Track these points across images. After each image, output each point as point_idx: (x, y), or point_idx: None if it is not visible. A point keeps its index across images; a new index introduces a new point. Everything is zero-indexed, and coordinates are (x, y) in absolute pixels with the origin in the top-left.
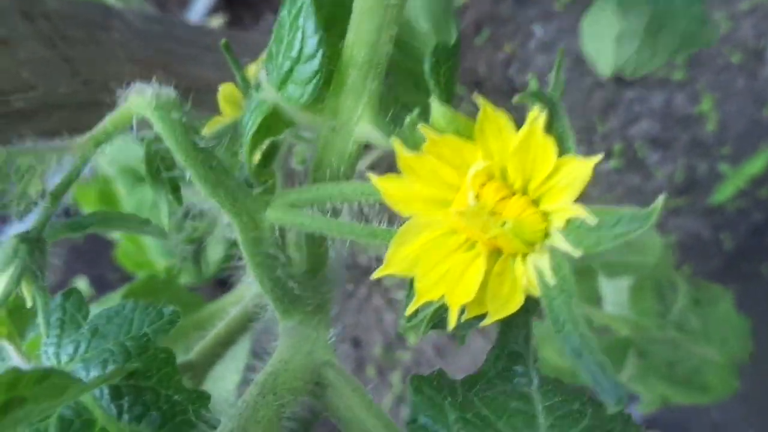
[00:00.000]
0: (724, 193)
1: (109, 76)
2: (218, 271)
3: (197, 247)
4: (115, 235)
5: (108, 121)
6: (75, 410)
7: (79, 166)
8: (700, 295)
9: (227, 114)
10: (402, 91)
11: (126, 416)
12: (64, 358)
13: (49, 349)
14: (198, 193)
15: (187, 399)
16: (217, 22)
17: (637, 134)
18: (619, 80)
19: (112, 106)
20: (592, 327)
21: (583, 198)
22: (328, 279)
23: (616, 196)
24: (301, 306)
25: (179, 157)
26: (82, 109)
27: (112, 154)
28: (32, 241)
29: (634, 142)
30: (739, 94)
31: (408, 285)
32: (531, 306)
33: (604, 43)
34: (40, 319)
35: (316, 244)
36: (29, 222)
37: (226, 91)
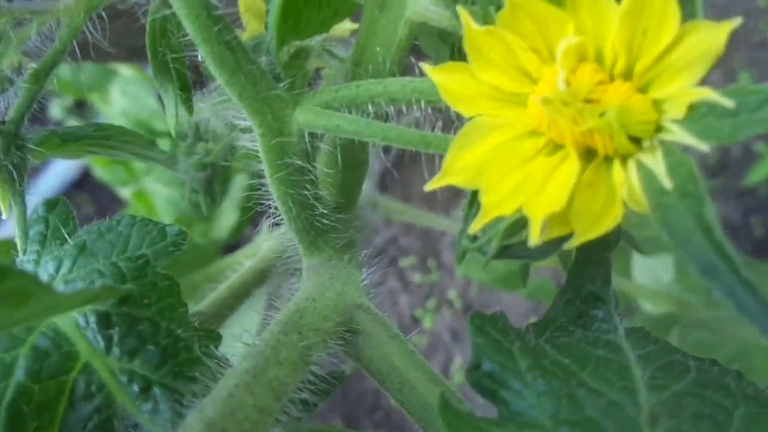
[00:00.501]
0: (758, 175)
1: None
2: (233, 232)
3: (210, 174)
4: (125, 193)
5: None
6: (53, 340)
7: (68, 38)
8: (747, 272)
9: (252, 28)
10: None
11: (116, 350)
12: (43, 278)
13: (25, 267)
14: (211, 106)
15: (193, 336)
16: None
17: None
18: None
19: None
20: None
21: None
22: (359, 215)
23: None
24: (329, 240)
25: (189, 26)
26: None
27: (123, 106)
28: (9, 135)
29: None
30: None
31: (469, 198)
32: (612, 239)
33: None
34: (16, 232)
35: (353, 156)
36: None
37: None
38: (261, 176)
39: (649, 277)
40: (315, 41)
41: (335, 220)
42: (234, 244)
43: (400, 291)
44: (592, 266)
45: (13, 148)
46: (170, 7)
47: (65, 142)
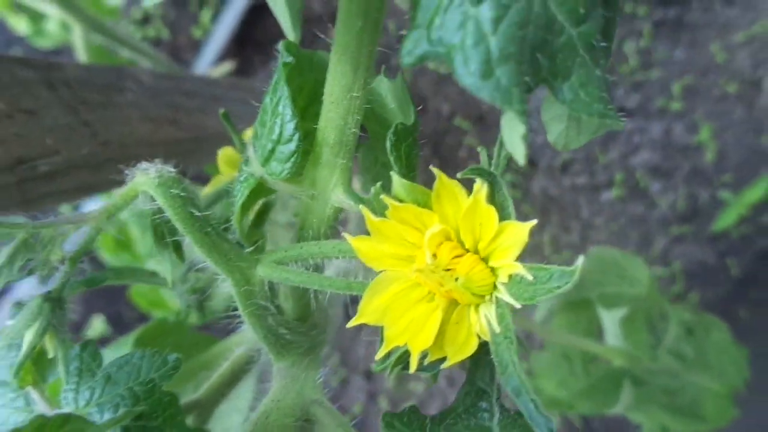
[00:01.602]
0: (726, 220)
1: (125, 136)
2: (221, 318)
3: (201, 295)
4: None
5: (118, 196)
6: None
7: (94, 236)
8: (694, 325)
9: (226, 173)
10: (381, 153)
11: None
12: (81, 403)
13: (68, 395)
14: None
15: None
16: (225, 68)
17: (638, 164)
18: (619, 111)
19: (129, 161)
20: (589, 358)
21: (586, 227)
22: (316, 324)
23: (620, 225)
24: (293, 349)
25: (179, 225)
26: (99, 168)
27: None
28: (54, 300)
29: (636, 172)
30: (736, 124)
31: (381, 332)
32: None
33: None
34: (60, 369)
35: (301, 295)
36: (50, 283)
37: (225, 154)
38: None
39: (613, 330)
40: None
41: (296, 334)
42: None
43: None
44: (480, 368)
45: (57, 309)
46: (164, 213)
47: (89, 286)
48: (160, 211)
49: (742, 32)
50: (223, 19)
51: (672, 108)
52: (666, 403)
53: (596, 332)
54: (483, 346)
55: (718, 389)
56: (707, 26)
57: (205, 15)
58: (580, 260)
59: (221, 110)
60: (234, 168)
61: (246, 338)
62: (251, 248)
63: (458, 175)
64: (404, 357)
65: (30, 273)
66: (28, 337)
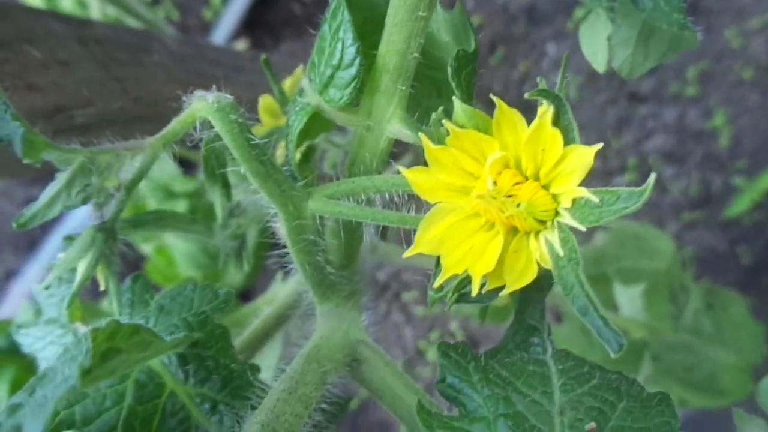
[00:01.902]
0: (739, 206)
1: (155, 95)
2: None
3: (240, 243)
4: (146, 249)
5: (175, 122)
6: (148, 375)
7: (150, 162)
8: (713, 299)
9: (266, 124)
10: (424, 97)
11: (192, 380)
12: None
13: None
14: (244, 191)
15: (242, 367)
16: (241, 45)
17: (651, 149)
18: (633, 96)
19: (160, 118)
20: None
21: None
22: (359, 270)
23: None
24: (337, 291)
25: (235, 153)
26: (132, 123)
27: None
28: (107, 231)
29: (649, 157)
30: (751, 110)
31: (435, 262)
32: (545, 284)
33: (598, 45)
34: (113, 299)
35: (352, 231)
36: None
37: (265, 102)
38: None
39: (631, 308)
40: (319, 139)
41: (341, 276)
42: (246, 290)
43: (404, 324)
44: (531, 305)
45: (110, 240)
46: (221, 140)
47: (135, 227)
48: (213, 140)
49: (757, 18)
50: (234, 0)
51: (687, 93)
52: (684, 378)
53: (612, 308)
54: (532, 284)
55: (737, 363)
56: (723, 12)
57: None
58: (652, 178)
59: (262, 56)
60: (274, 117)
61: (276, 297)
62: (303, 183)
63: (526, 96)
64: (461, 285)
65: (86, 200)
66: (81, 267)
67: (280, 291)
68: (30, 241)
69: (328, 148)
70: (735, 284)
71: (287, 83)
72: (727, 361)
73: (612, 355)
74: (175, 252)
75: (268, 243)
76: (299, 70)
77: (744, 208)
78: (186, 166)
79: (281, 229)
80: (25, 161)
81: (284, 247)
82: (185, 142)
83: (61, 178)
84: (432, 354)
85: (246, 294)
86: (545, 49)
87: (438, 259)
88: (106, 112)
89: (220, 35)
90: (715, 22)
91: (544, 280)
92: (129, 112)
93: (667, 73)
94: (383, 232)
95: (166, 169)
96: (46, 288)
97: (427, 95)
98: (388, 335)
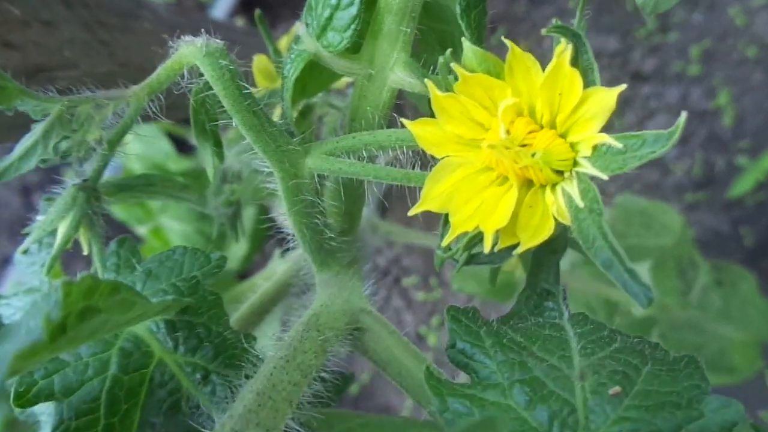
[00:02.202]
0: (743, 186)
1: (145, 61)
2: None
3: (235, 210)
4: (142, 230)
5: (161, 69)
6: (134, 343)
7: (134, 114)
8: (722, 276)
9: (261, 85)
10: (425, 50)
11: (181, 348)
12: None
13: None
14: (238, 153)
15: (236, 337)
16: (239, 23)
17: (654, 129)
18: (636, 76)
19: None
20: (612, 309)
21: (599, 193)
22: (360, 237)
23: (635, 192)
24: (337, 259)
25: (227, 103)
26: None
27: (138, 150)
28: (89, 190)
29: None
30: (755, 88)
31: (443, 220)
32: (559, 246)
33: None
34: (96, 263)
35: (353, 192)
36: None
37: (260, 63)
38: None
39: None
40: (317, 98)
41: (341, 242)
42: (244, 273)
43: (404, 309)
44: (544, 269)
45: (93, 199)
46: (212, 89)
47: (121, 190)
48: (202, 90)
49: None
50: None
51: (690, 72)
52: None
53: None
54: (545, 246)
55: (745, 340)
56: None
57: None
58: (683, 116)
59: (257, 11)
60: (269, 79)
61: (275, 272)
62: (299, 138)
63: (543, 32)
64: (472, 242)
65: (65, 155)
66: (62, 228)
67: (278, 267)
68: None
69: (326, 113)
70: (738, 265)
71: (283, 42)
72: (736, 338)
73: (640, 310)
74: (171, 234)
75: (267, 225)
76: (296, 27)
77: (747, 188)
78: (180, 144)
79: (277, 188)
80: None
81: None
82: (180, 121)
83: (37, 129)
84: (433, 339)
85: (244, 276)
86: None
87: (445, 216)
88: (91, 75)
89: (217, 13)
90: (718, 1)
91: (557, 242)
92: (115, 77)
93: (669, 52)
94: (385, 199)
95: (159, 147)
96: (25, 253)
97: (429, 49)
98: (389, 321)
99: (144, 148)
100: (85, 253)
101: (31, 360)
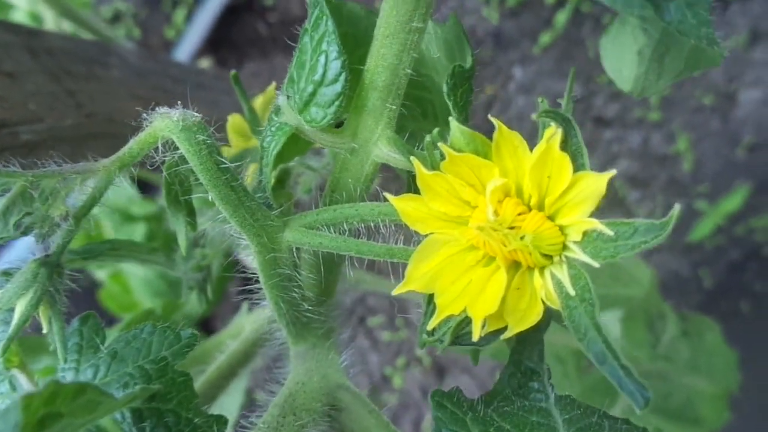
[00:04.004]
0: (702, 230)
1: (112, 111)
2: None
3: (205, 275)
4: (101, 275)
5: (134, 142)
6: None
7: (103, 188)
8: (688, 326)
9: (236, 145)
10: (409, 120)
11: None
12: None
13: (67, 374)
14: (211, 219)
15: (207, 422)
16: (204, 64)
17: (617, 173)
18: (598, 121)
19: (116, 137)
20: (582, 360)
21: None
22: (337, 304)
23: None
24: (313, 330)
25: (203, 178)
26: (84, 141)
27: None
28: (52, 265)
29: (614, 182)
30: (713, 134)
31: (426, 300)
32: (543, 323)
33: (624, 60)
34: (57, 344)
35: (332, 265)
36: (49, 246)
37: (234, 122)
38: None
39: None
40: (293, 162)
41: (317, 313)
42: (206, 318)
43: (369, 349)
44: (528, 346)
45: (55, 275)
46: (187, 163)
47: (86, 258)
48: (177, 164)
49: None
50: (197, 19)
51: (650, 118)
52: (661, 406)
53: None
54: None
55: (713, 391)
56: None
57: (179, 14)
58: (677, 208)
59: (232, 72)
60: (244, 138)
61: (243, 329)
62: (278, 212)
63: (533, 117)
64: (460, 327)
65: (26, 231)
66: (20, 307)
67: (246, 324)
68: None
69: (302, 172)
70: (697, 308)
71: (258, 102)
72: (704, 389)
73: (637, 412)
74: (132, 278)
75: (232, 270)
76: (272, 88)
77: (707, 232)
78: (144, 186)
79: (254, 262)
80: None
81: (251, 277)
82: (145, 164)
83: None
84: (398, 381)
85: (206, 322)
86: (512, 72)
87: (429, 296)
88: (57, 129)
89: (183, 54)
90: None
91: (542, 319)
92: (82, 129)
93: (630, 98)
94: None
95: (122, 192)
96: None
97: (411, 117)
98: (354, 361)
99: (108, 192)
100: (44, 332)
101: None
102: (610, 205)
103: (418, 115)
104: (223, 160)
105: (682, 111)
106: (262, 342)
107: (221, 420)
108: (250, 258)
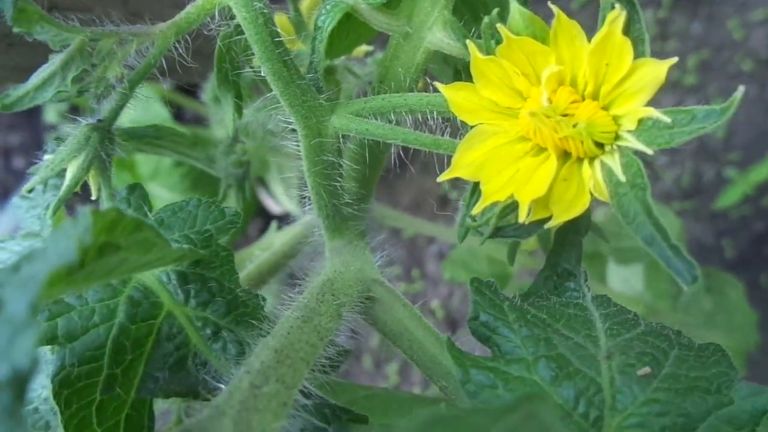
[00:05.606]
0: (730, 198)
1: (153, 14)
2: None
3: (244, 172)
4: None
5: (192, 7)
6: (143, 293)
7: (158, 55)
8: (711, 282)
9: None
10: (468, 11)
11: (192, 301)
12: None
13: None
14: (254, 110)
15: (248, 295)
16: None
17: None
18: None
19: None
20: None
21: None
22: (373, 206)
23: None
24: (351, 227)
25: (257, 49)
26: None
27: (132, 115)
28: (104, 131)
29: None
30: (748, 102)
31: (471, 189)
32: (582, 226)
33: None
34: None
35: (376, 157)
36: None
37: (280, 22)
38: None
39: (623, 285)
40: (338, 61)
41: (357, 209)
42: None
43: None
44: (566, 248)
45: (107, 141)
46: (242, 33)
47: (130, 137)
48: (231, 35)
49: (760, 9)
50: None
51: (685, 82)
52: None
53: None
54: (570, 225)
55: (731, 346)
56: (726, 2)
57: None
58: (741, 90)
59: None
60: (288, 41)
61: (273, 243)
62: (326, 95)
63: None
64: (504, 213)
65: (82, 90)
66: (72, 170)
67: (275, 239)
68: (6, 189)
69: (343, 79)
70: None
71: (304, 3)
72: (722, 343)
73: (685, 288)
74: (159, 203)
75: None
76: None
77: (735, 200)
78: (177, 113)
79: (297, 147)
80: (16, 30)
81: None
82: (179, 89)
83: (56, 60)
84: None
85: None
86: None
87: (474, 185)
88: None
89: None
90: (717, 12)
91: (582, 221)
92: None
93: (667, 59)
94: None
95: (156, 113)
96: (29, 193)
97: (462, 20)
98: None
99: (139, 113)
100: (94, 197)
101: (64, 283)
102: None
103: (469, 19)
104: (278, 31)
105: (719, 77)
106: (292, 255)
107: (259, 296)
108: (294, 145)
